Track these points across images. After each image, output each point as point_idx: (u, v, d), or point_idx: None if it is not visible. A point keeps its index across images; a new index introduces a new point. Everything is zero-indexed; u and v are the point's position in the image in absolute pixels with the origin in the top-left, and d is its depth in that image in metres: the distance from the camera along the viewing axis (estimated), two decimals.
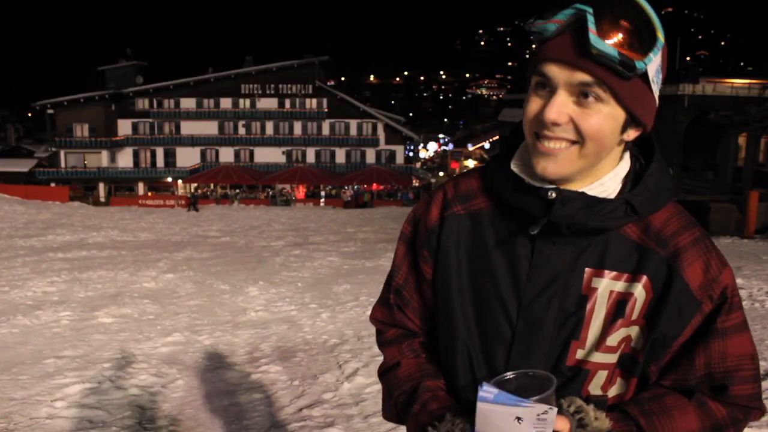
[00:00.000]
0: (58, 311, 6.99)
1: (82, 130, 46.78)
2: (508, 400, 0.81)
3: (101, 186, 46.16)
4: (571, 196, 0.93)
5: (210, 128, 48.32)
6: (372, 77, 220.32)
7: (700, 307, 0.95)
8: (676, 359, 0.96)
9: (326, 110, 48.82)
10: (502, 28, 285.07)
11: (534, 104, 0.93)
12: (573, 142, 0.91)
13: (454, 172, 70.50)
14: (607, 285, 0.96)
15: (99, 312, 7.00)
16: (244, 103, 48.48)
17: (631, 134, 0.95)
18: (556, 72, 0.89)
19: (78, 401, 4.06)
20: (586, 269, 0.96)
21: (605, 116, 0.89)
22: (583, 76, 0.87)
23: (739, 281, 8.85)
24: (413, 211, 1.15)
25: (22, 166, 45.91)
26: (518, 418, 0.80)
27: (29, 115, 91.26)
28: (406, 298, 1.13)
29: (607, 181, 0.97)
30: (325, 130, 49.02)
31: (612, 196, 0.96)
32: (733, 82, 31.63)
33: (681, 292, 0.94)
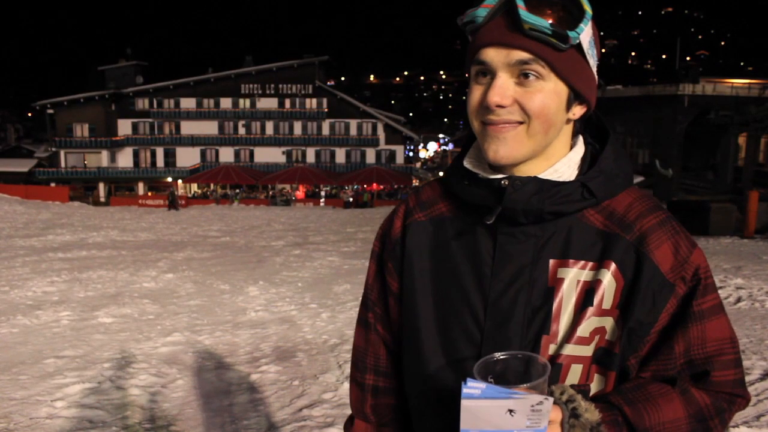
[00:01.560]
0: (58, 311, 6.99)
1: (82, 130, 46.79)
2: (497, 394, 0.76)
3: (101, 186, 46.17)
4: (523, 181, 0.92)
5: (210, 128, 48.33)
6: (372, 77, 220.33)
7: (673, 290, 0.92)
8: (655, 349, 0.93)
9: (326, 110, 48.83)
10: None
11: (476, 92, 0.93)
12: (520, 123, 0.91)
13: None
14: (573, 275, 0.93)
15: (99, 312, 7.00)
16: (244, 103, 48.49)
17: (577, 111, 0.95)
18: (493, 55, 0.89)
19: (78, 401, 4.06)
20: (551, 260, 0.94)
21: (548, 93, 0.89)
22: (519, 54, 0.87)
23: (739, 281, 8.84)
24: (380, 227, 1.13)
25: (22, 166, 45.93)
26: (510, 411, 0.76)
27: (29, 115, 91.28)
28: (380, 314, 1.12)
29: (561, 167, 0.96)
30: (325, 130, 49.03)
31: (568, 180, 0.95)
32: (733, 82, 31.65)
33: (652, 276, 0.91)
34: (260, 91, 48.43)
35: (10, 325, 6.31)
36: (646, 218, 0.95)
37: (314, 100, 48.92)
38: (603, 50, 0.99)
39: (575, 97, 0.93)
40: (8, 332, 6.04)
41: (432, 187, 1.11)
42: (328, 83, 58.47)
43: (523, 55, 0.87)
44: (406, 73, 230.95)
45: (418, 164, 68.66)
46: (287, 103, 48.78)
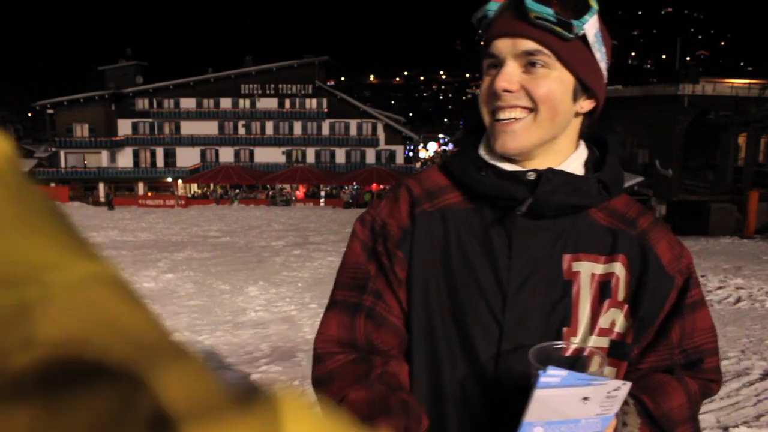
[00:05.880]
0: None
1: (82, 130, 46.78)
2: (577, 381, 0.74)
3: (101, 186, 46.18)
4: (553, 173, 0.95)
5: (210, 128, 48.32)
6: (372, 77, 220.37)
7: (674, 282, 0.98)
8: (654, 340, 0.99)
9: (326, 110, 48.82)
10: None
11: (486, 82, 0.96)
12: (528, 110, 0.93)
13: None
14: (588, 268, 0.96)
15: None
16: (244, 103, 48.48)
17: (584, 105, 0.97)
18: (501, 46, 0.92)
19: None
20: (565, 256, 0.96)
21: (554, 80, 0.92)
22: (526, 43, 0.90)
23: (739, 281, 8.85)
24: (369, 213, 1.06)
25: (22, 166, 45.90)
26: (585, 398, 0.74)
27: (29, 115, 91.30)
28: (381, 306, 1.00)
29: (573, 162, 0.99)
30: (325, 130, 49.02)
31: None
32: (733, 82, 31.69)
33: (656, 268, 0.97)
34: (260, 91, 48.42)
35: None
36: (644, 216, 1.02)
37: (314, 100, 48.91)
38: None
39: (582, 89, 0.95)
40: None
41: (435, 175, 1.07)
42: (328, 83, 58.49)
43: (529, 44, 0.90)
44: (406, 73, 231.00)
45: (418, 164, 68.71)
46: (287, 103, 48.77)
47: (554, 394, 0.74)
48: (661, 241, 0.99)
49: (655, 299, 0.97)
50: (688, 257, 1.01)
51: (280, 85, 48.54)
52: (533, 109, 0.93)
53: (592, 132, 1.05)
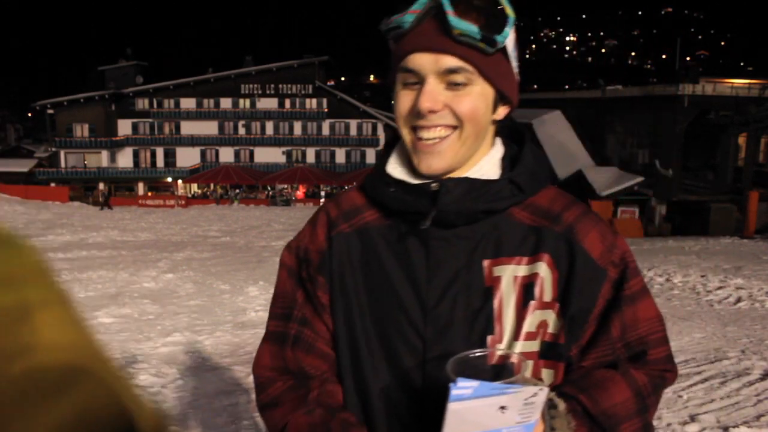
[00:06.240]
0: None
1: (82, 130, 46.77)
2: (490, 391, 0.71)
3: (101, 186, 46.17)
4: (455, 182, 0.93)
5: (210, 128, 48.31)
6: (372, 77, 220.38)
7: (606, 275, 0.95)
8: (594, 336, 0.95)
9: (326, 110, 48.82)
10: None
11: (406, 98, 0.92)
12: (452, 128, 0.91)
13: None
14: (510, 271, 0.94)
15: (99, 312, 6.99)
16: (244, 103, 48.48)
17: (501, 112, 0.96)
18: (422, 62, 0.89)
19: None
20: (484, 261, 0.94)
21: (477, 96, 0.90)
22: (449, 60, 0.88)
23: (739, 281, 8.84)
24: (294, 240, 1.07)
25: (22, 166, 45.90)
26: (502, 408, 0.72)
27: (29, 115, 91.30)
28: (307, 333, 1.00)
29: (485, 164, 0.97)
30: (325, 130, 49.02)
31: (493, 178, 0.96)
32: (733, 82, 31.70)
33: (585, 263, 0.94)
34: (260, 91, 48.41)
35: None
36: (570, 210, 0.98)
37: (314, 100, 48.90)
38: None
39: (500, 98, 0.94)
40: None
41: (353, 194, 1.07)
42: (328, 83, 58.48)
43: (453, 60, 0.88)
44: None
45: None
46: (287, 103, 48.77)
47: (469, 406, 0.71)
48: (589, 233, 0.95)
49: (584, 295, 0.93)
50: (622, 247, 0.97)
51: (280, 85, 48.54)
52: (457, 127, 0.91)
53: (508, 124, 1.03)
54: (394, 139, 1.04)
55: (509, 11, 0.88)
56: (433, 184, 0.93)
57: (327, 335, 1.00)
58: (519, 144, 1.02)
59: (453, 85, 0.89)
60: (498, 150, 1.00)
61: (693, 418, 3.70)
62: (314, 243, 1.03)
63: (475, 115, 0.91)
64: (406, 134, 0.94)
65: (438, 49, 0.87)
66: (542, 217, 0.96)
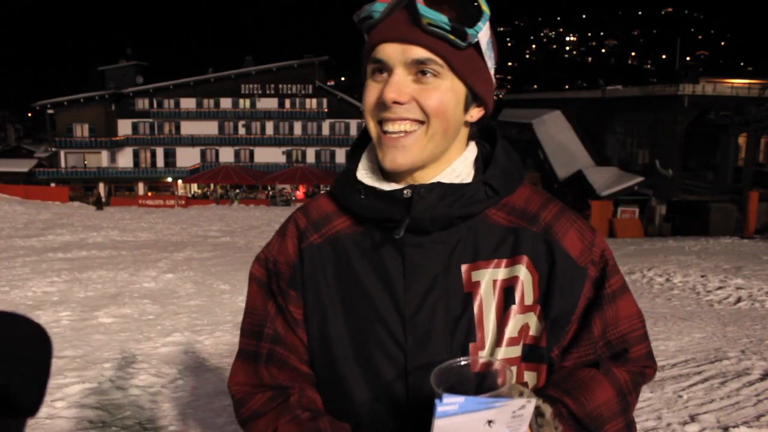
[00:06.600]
0: (58, 311, 6.99)
1: (82, 130, 46.78)
2: (477, 405, 0.69)
3: (101, 186, 46.18)
4: (428, 188, 0.90)
5: (210, 128, 48.33)
6: None
7: (586, 273, 0.93)
8: (575, 336, 0.94)
9: (326, 110, 48.84)
10: (502, 28, 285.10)
11: (373, 90, 0.90)
12: (419, 123, 0.88)
13: None
14: (489, 276, 0.91)
15: (99, 312, 7.00)
16: (244, 103, 48.50)
17: (475, 114, 0.94)
18: (390, 52, 0.86)
19: (78, 401, 4.06)
20: (462, 266, 0.91)
21: (446, 91, 0.87)
22: (417, 51, 0.85)
23: (739, 281, 8.84)
24: (263, 252, 1.03)
25: (22, 166, 45.92)
26: (489, 422, 0.70)
27: (29, 115, 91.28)
28: (279, 351, 0.97)
29: (458, 166, 0.94)
30: (325, 130, 49.04)
31: (467, 181, 0.93)
32: (733, 82, 31.68)
33: (565, 263, 0.92)
34: (260, 91, 48.44)
35: None
36: (547, 208, 0.96)
37: (314, 100, 48.93)
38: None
39: (473, 98, 0.92)
40: None
41: (322, 201, 1.03)
42: (328, 83, 58.48)
43: (421, 52, 0.85)
44: None
45: None
46: (287, 103, 48.79)
47: (455, 422, 0.69)
48: (568, 232, 0.94)
49: (566, 296, 0.91)
50: (600, 245, 0.95)
51: (280, 85, 48.56)
52: (424, 122, 0.88)
53: (484, 125, 1.00)
54: (362, 140, 1.02)
55: (484, 7, 0.86)
56: (406, 191, 0.90)
57: (301, 350, 0.97)
58: (491, 143, 1.00)
59: (421, 77, 0.86)
60: (471, 151, 0.97)
61: (693, 418, 3.70)
62: (284, 255, 0.99)
63: (442, 111, 0.88)
64: (372, 127, 0.92)
65: (406, 40, 0.85)
66: (519, 218, 0.94)
